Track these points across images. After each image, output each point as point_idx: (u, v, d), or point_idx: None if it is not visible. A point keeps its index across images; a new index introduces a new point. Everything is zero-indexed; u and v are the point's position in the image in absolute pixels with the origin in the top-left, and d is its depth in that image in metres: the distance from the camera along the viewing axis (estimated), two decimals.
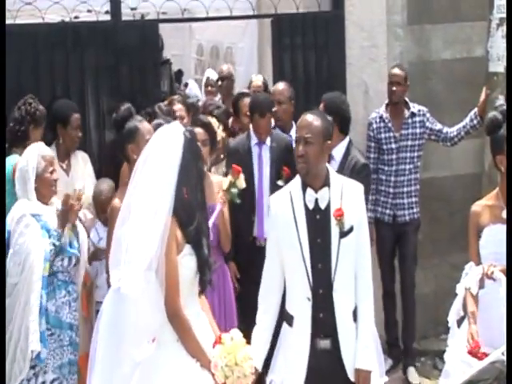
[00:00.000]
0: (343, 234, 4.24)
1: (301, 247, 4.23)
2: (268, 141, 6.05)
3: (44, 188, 5.01)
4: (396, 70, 6.59)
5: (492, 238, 4.54)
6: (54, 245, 4.89)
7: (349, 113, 5.92)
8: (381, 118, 6.63)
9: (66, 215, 4.98)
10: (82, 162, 6.03)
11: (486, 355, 4.06)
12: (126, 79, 6.35)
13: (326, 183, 4.28)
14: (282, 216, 4.29)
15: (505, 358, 3.42)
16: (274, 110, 6.10)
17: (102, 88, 6.29)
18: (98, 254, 5.50)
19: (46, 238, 4.89)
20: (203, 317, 4.04)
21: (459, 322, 4.51)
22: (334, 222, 4.23)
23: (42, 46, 6.09)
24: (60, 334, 4.96)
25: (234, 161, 5.85)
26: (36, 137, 5.54)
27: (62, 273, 5.01)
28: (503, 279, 4.32)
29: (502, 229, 4.50)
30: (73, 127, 5.88)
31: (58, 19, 6.83)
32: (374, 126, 6.62)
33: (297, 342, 4.25)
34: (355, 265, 4.28)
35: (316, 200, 4.26)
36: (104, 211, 5.51)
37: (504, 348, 3.54)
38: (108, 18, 6.40)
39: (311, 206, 4.27)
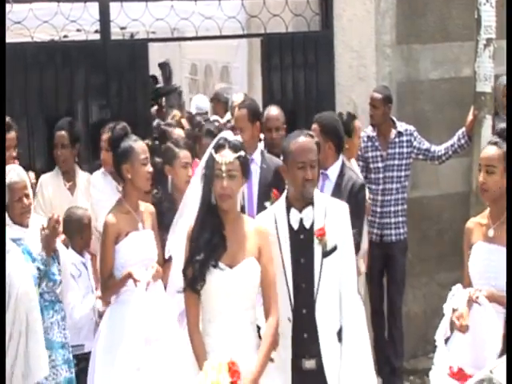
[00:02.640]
0: (326, 253, 4.22)
1: (283, 267, 4.23)
2: (258, 160, 6.02)
3: (14, 216, 4.88)
4: (374, 93, 6.63)
5: (478, 257, 4.53)
6: (38, 269, 4.79)
7: (343, 132, 5.86)
8: (368, 137, 6.65)
9: (50, 239, 4.88)
10: (86, 183, 6.03)
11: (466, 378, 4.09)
12: (115, 98, 6.36)
13: (310, 202, 4.28)
14: None
15: (493, 375, 3.43)
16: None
17: (91, 107, 6.30)
18: None
19: (29, 262, 4.80)
20: (232, 344, 3.97)
21: (446, 341, 4.50)
22: (316, 241, 4.23)
23: (31, 65, 6.10)
24: (51, 355, 4.86)
25: None
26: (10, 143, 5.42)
27: (47, 293, 4.96)
28: (487, 306, 4.30)
29: (487, 248, 4.49)
30: (53, 145, 5.91)
31: (47, 38, 6.85)
32: (362, 144, 6.64)
33: (279, 363, 4.22)
34: (340, 285, 4.26)
35: (301, 220, 4.26)
36: (82, 234, 5.51)
37: (492, 366, 3.54)
38: (97, 37, 6.42)
39: (296, 226, 4.26)
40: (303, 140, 4.29)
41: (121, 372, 4.56)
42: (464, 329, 4.28)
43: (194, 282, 3.98)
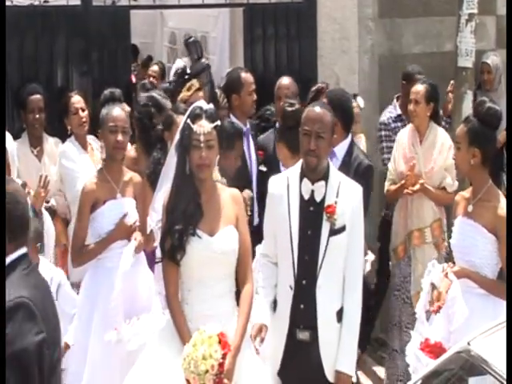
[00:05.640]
0: (333, 231, 4.19)
1: (290, 236, 4.21)
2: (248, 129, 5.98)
3: None
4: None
5: (456, 231, 4.57)
6: None
7: (352, 110, 5.69)
8: (398, 117, 6.48)
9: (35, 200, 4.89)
10: (54, 148, 5.95)
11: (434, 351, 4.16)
12: (96, 65, 6.31)
13: (324, 177, 4.24)
14: (276, 200, 4.27)
15: (470, 347, 3.45)
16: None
17: (72, 73, 6.24)
18: None
19: None
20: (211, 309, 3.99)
21: (427, 317, 4.53)
22: (325, 217, 4.20)
23: (11, 30, 5.99)
24: None
25: None
26: None
27: None
28: (454, 282, 4.36)
29: (464, 223, 4.52)
30: (28, 110, 5.82)
31: (27, 3, 6.76)
32: (392, 125, 6.45)
33: (275, 329, 4.23)
34: (345, 266, 4.23)
35: (312, 192, 4.23)
36: None
37: (470, 337, 3.56)
38: (78, 2, 6.34)
39: (307, 196, 4.23)
40: (314, 109, 4.27)
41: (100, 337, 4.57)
42: (436, 310, 4.33)
43: (173, 253, 3.96)
